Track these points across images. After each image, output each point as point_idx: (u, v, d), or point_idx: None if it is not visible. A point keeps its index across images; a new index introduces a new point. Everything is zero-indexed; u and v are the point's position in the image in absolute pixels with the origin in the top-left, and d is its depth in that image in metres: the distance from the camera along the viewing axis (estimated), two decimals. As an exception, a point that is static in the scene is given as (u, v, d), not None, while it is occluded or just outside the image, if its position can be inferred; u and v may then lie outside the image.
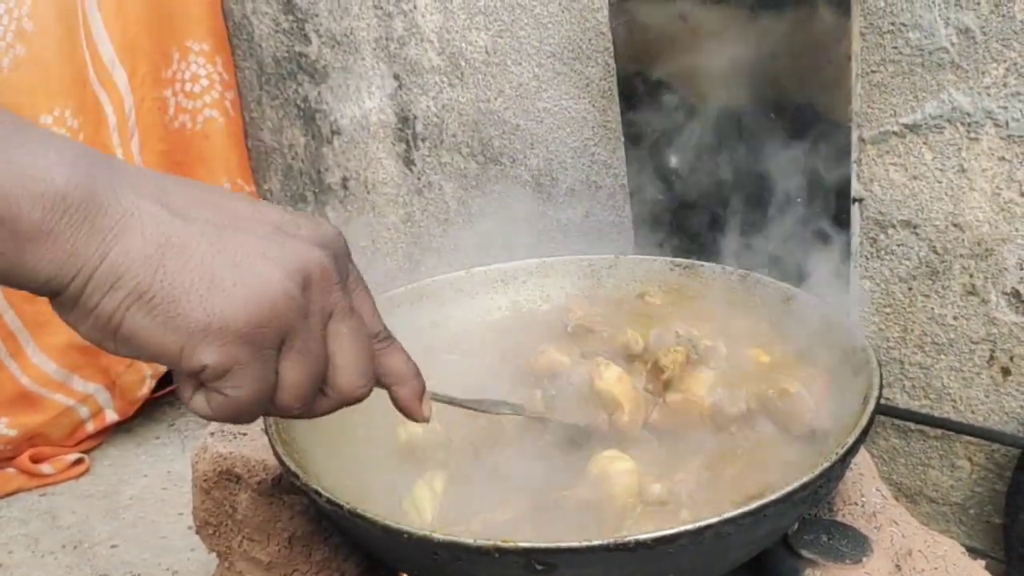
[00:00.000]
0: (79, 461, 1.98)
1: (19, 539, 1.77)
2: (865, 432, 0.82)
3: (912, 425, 1.39)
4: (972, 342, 1.29)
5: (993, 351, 1.28)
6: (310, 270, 0.55)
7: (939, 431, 1.36)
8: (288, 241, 0.55)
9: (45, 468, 1.94)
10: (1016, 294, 1.24)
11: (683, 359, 1.03)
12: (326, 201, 2.05)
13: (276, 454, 0.88)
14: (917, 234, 1.29)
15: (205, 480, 1.12)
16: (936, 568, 0.91)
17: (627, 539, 0.71)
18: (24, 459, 1.92)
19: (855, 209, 1.26)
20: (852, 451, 0.80)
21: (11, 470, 1.93)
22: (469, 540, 0.72)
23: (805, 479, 0.76)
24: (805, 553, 0.85)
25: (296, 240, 0.56)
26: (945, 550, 0.94)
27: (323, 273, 0.56)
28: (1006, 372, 1.28)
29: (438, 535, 0.73)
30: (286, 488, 1.07)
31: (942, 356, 1.33)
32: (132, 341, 0.52)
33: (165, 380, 2.12)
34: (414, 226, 1.92)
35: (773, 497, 0.74)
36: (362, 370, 0.60)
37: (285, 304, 0.53)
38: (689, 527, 0.71)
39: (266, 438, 1.10)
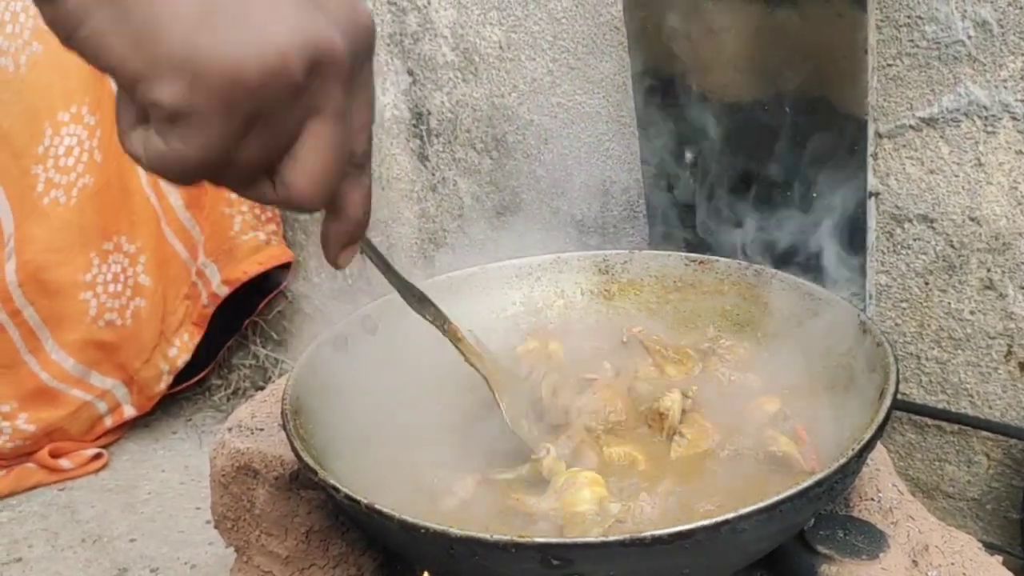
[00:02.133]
0: (98, 456, 2.01)
1: (39, 533, 1.79)
2: (882, 428, 0.82)
3: (929, 420, 1.38)
4: (989, 337, 1.29)
5: (1011, 346, 1.27)
6: (322, 52, 0.47)
7: (956, 426, 1.36)
8: (314, 12, 0.47)
9: (64, 463, 1.96)
10: (1034, 288, 1.23)
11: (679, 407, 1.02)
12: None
13: (294, 450, 0.88)
14: (934, 228, 1.29)
15: (223, 475, 1.13)
16: (953, 564, 0.91)
17: (644, 535, 0.71)
18: (43, 454, 1.95)
19: (871, 203, 1.25)
20: (868, 447, 0.80)
21: (31, 465, 1.95)
22: (486, 535, 0.73)
23: (822, 475, 0.76)
24: (821, 549, 0.85)
25: (322, 13, 0.48)
26: (962, 545, 0.93)
27: (333, 62, 0.48)
28: (1023, 367, 1.27)
29: (455, 530, 0.73)
30: (303, 483, 1.08)
31: (959, 351, 1.32)
32: (89, 44, 0.45)
33: (183, 376, 2.14)
34: (428, 222, 1.92)
35: (789, 492, 0.74)
36: (322, 180, 0.52)
37: (279, 76, 0.46)
38: (706, 523, 0.71)
39: (283, 433, 1.11)
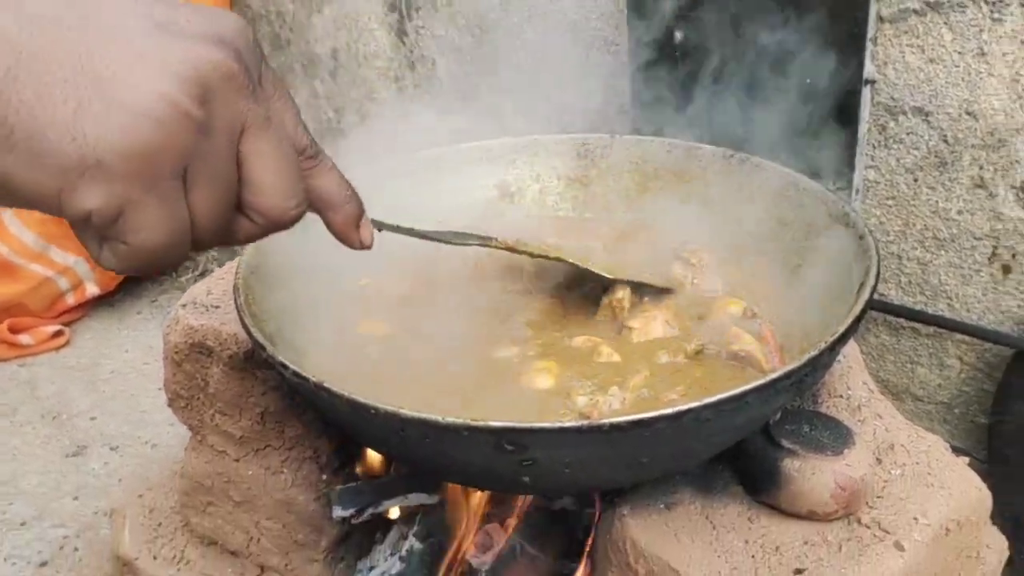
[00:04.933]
0: (59, 333, 1.96)
1: (-3, 407, 1.76)
2: (857, 321, 0.78)
3: (904, 322, 1.35)
4: (975, 238, 1.25)
5: (996, 247, 1.24)
6: (206, 75, 0.44)
7: (931, 329, 1.33)
8: (174, 40, 0.43)
9: (24, 339, 1.91)
10: (1025, 189, 1.18)
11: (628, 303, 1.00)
12: (316, 74, 1.97)
13: (244, 325, 0.84)
14: (928, 122, 1.23)
15: (176, 352, 1.09)
16: (918, 463, 0.89)
17: (601, 422, 0.67)
18: (3, 328, 1.90)
19: (866, 91, 1.19)
20: (841, 340, 0.76)
21: (-11, 339, 1.91)
22: (438, 417, 0.69)
23: (791, 366, 0.72)
24: (785, 443, 0.82)
25: (185, 38, 0.44)
26: (928, 445, 0.91)
27: (226, 77, 0.45)
28: (1007, 270, 1.24)
29: (406, 411, 0.70)
30: (258, 363, 1.04)
31: (942, 252, 1.29)
32: (2, 187, 0.42)
33: (147, 254, 2.07)
34: (404, 101, 1.84)
35: (756, 384, 0.70)
36: (288, 190, 0.50)
37: (176, 122, 0.42)
38: (667, 411, 0.68)
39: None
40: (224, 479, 1.11)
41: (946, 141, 1.22)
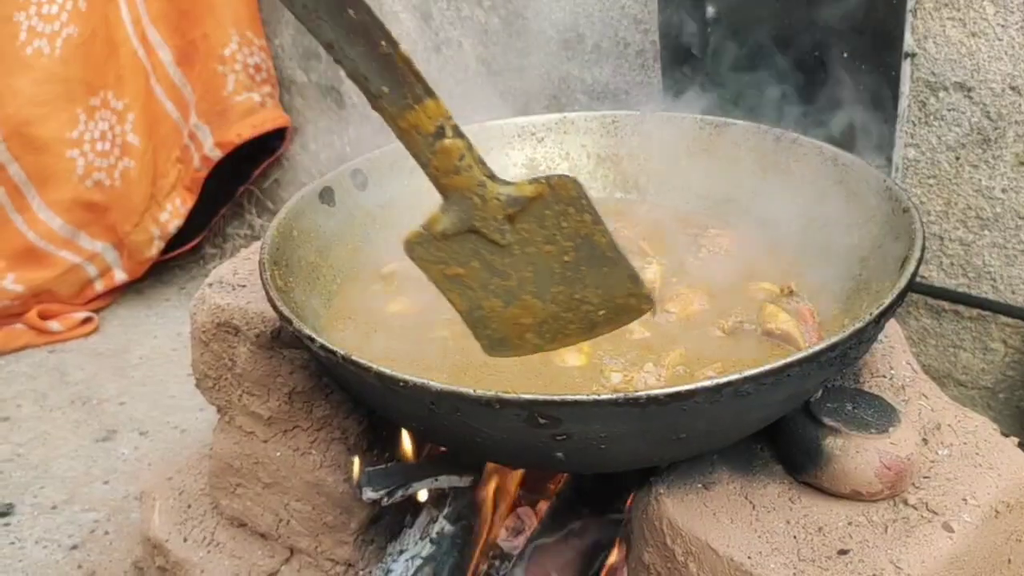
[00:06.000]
0: (88, 320, 1.97)
1: (27, 394, 1.76)
2: (903, 294, 0.76)
3: (947, 305, 1.32)
4: (1020, 217, 1.21)
5: (1042, 228, 1.20)
6: None
7: (975, 311, 1.29)
8: None
9: (53, 325, 1.92)
10: (1074, 165, 1.14)
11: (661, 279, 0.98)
12: (339, 59, 1.95)
13: (270, 299, 0.82)
14: (971, 97, 1.19)
15: (203, 332, 1.08)
16: (966, 443, 0.86)
17: (638, 394, 0.65)
18: (32, 315, 1.91)
19: (906, 66, 1.15)
20: (887, 313, 0.74)
21: (19, 326, 1.92)
22: (469, 390, 0.67)
23: (835, 339, 0.70)
24: (827, 421, 0.79)
25: None
26: (976, 426, 0.88)
27: None
28: (1053, 250, 1.20)
29: (436, 384, 0.68)
30: (286, 342, 1.03)
31: (986, 232, 1.25)
32: None
33: (175, 242, 2.08)
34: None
35: (798, 356, 0.68)
36: None
37: None
38: (706, 383, 0.66)
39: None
40: (253, 460, 1.10)
41: (989, 117, 1.18)
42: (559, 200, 0.70)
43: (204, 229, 2.15)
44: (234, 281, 1.10)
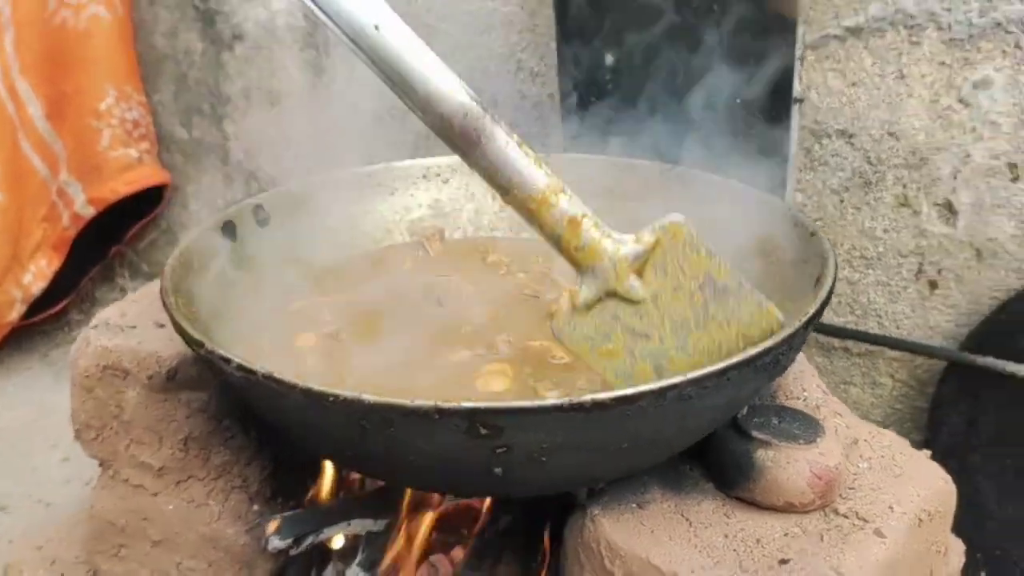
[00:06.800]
0: (-61, 389, 1.79)
1: None
2: (824, 304, 0.78)
3: (836, 342, 1.37)
4: (901, 255, 1.28)
5: (921, 264, 1.27)
6: None
7: (863, 348, 1.35)
8: None
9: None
10: (948, 205, 1.22)
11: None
12: (225, 114, 1.90)
13: (175, 322, 0.76)
14: (852, 144, 1.26)
15: (87, 377, 0.99)
16: (883, 456, 0.88)
17: (584, 399, 0.63)
18: None
19: (795, 111, 1.21)
20: (813, 320, 0.75)
21: None
22: (405, 401, 0.63)
23: (770, 343, 0.70)
24: (757, 434, 0.80)
25: None
26: (890, 441, 0.91)
27: None
28: (933, 286, 1.27)
29: (369, 397, 0.64)
30: (182, 383, 0.96)
31: (870, 271, 1.31)
32: None
33: (38, 306, 1.93)
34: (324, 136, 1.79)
35: (738, 359, 0.68)
36: None
37: None
38: (652, 387, 0.65)
39: (159, 331, 0.99)
40: (140, 516, 1.01)
41: (869, 162, 1.26)
42: (675, 245, 0.75)
43: (71, 292, 2.01)
44: (122, 323, 1.02)
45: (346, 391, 0.64)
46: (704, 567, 0.73)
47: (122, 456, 1.00)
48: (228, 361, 0.69)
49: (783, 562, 0.74)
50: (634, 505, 0.80)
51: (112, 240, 2.03)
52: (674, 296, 0.75)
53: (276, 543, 0.95)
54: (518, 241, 1.19)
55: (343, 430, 0.68)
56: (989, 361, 1.19)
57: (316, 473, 1.05)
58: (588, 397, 0.63)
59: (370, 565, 0.99)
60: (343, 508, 0.99)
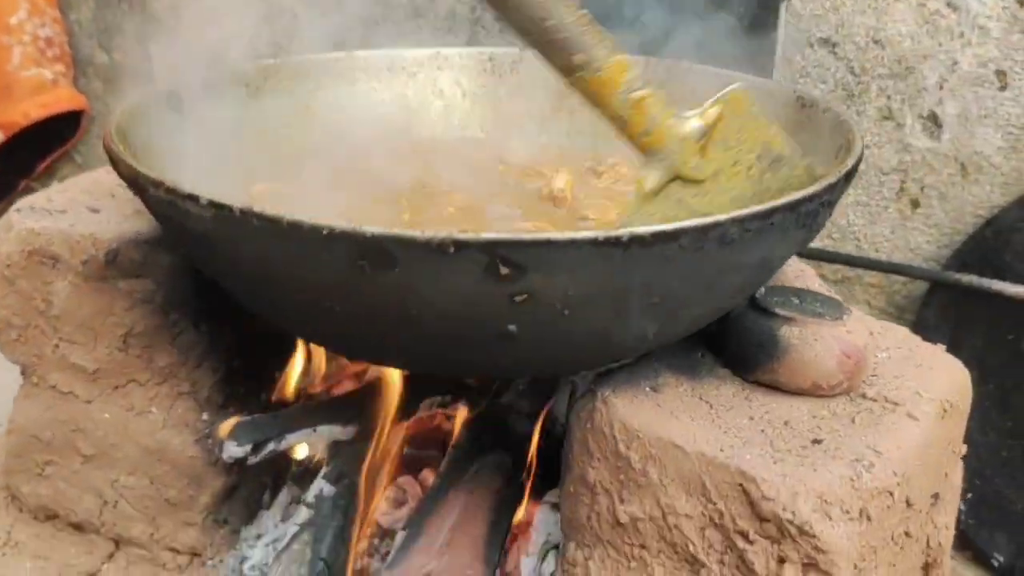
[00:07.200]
0: None
1: None
2: (858, 162, 0.71)
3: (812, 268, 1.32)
4: (883, 173, 1.23)
5: (904, 181, 1.23)
6: None
7: (840, 275, 1.30)
8: None
9: None
10: (932, 117, 1.18)
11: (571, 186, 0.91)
12: (150, 35, 1.75)
13: (125, 164, 0.65)
14: (835, 54, 1.21)
15: (8, 266, 0.86)
16: (899, 348, 0.82)
17: (620, 232, 0.55)
18: None
19: (783, 12, 1.16)
20: (851, 174, 0.69)
21: None
22: (416, 233, 0.54)
23: (813, 188, 0.63)
24: (780, 311, 0.73)
25: None
26: (904, 334, 0.85)
27: None
28: (915, 204, 1.23)
29: (372, 229, 0.54)
30: (123, 269, 0.83)
31: (850, 190, 1.26)
32: None
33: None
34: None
35: (783, 201, 0.61)
36: None
37: None
38: (694, 223, 0.57)
39: (92, 215, 0.87)
40: (70, 427, 0.89)
41: (853, 72, 1.21)
42: (736, 116, 0.71)
43: (-24, 229, 1.83)
44: (50, 207, 0.89)
45: (344, 223, 0.55)
46: (733, 446, 0.66)
47: (49, 359, 0.88)
48: (195, 199, 0.58)
49: (816, 442, 0.67)
50: (648, 388, 0.72)
51: (22, 173, 1.86)
52: (733, 171, 0.72)
53: (232, 450, 0.84)
54: (489, 143, 1.11)
55: (334, 277, 0.58)
56: (974, 280, 1.15)
57: (274, 378, 0.94)
58: (626, 230, 0.55)
59: (336, 478, 0.88)
60: (307, 414, 0.88)
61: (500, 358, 0.65)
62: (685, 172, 0.71)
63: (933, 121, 1.18)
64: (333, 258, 0.56)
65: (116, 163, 0.66)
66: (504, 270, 0.55)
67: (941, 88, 1.16)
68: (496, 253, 0.54)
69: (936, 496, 0.77)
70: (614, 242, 0.55)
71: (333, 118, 1.05)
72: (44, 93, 1.73)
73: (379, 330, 0.63)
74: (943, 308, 1.22)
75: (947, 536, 0.81)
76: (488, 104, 1.12)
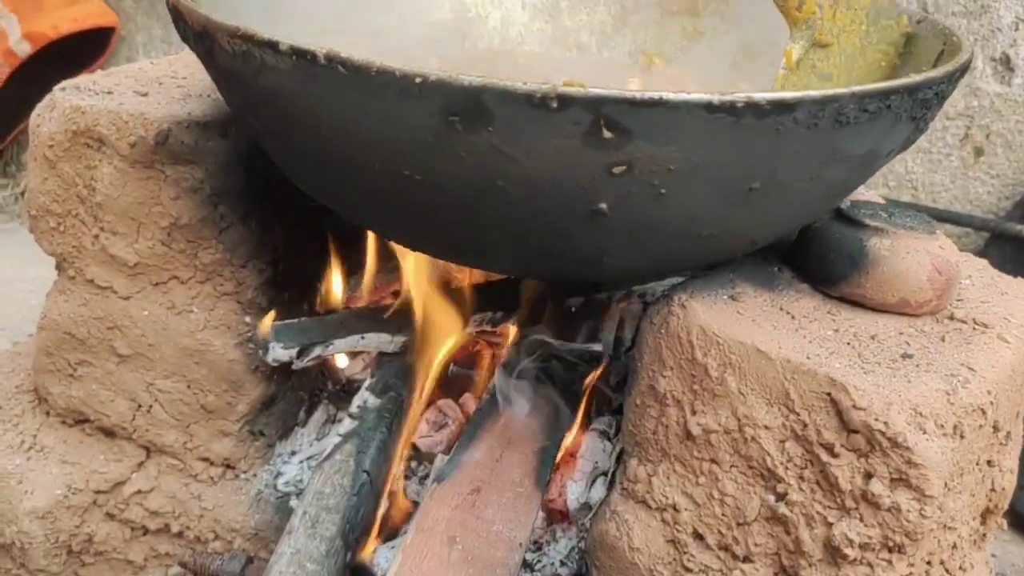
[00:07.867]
0: None
1: None
2: (968, 62, 0.67)
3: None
4: (947, 118, 1.19)
5: (969, 128, 1.18)
6: None
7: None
8: None
9: None
10: (1005, 60, 1.14)
11: None
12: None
13: (179, 7, 0.60)
14: (905, -8, 1.17)
15: (50, 147, 0.82)
16: (981, 276, 0.78)
17: (737, 96, 0.51)
18: None
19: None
20: (964, 68, 0.65)
21: None
22: (518, 84, 0.50)
23: (927, 75, 0.59)
24: (870, 222, 0.69)
25: None
26: (983, 264, 0.81)
27: None
28: (979, 152, 1.18)
29: (470, 78, 0.50)
30: (172, 153, 0.79)
31: (910, 136, 1.22)
32: None
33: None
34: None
35: (901, 82, 0.57)
36: None
37: None
38: (812, 93, 0.53)
39: (140, 98, 0.82)
40: (106, 325, 0.85)
41: (926, 8, 1.16)
42: None
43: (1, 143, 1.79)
44: (96, 88, 0.85)
45: (438, 71, 0.50)
46: (819, 355, 0.62)
47: (88, 251, 0.84)
48: (275, 46, 0.54)
49: (906, 356, 0.64)
50: (726, 297, 0.68)
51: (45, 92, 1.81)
52: (850, 30, 0.75)
53: (278, 352, 0.80)
54: (548, 58, 1.06)
55: (423, 138, 0.54)
56: (1038, 231, 1.11)
57: (319, 288, 0.90)
58: (742, 96, 0.51)
59: (382, 390, 0.85)
60: (355, 320, 0.85)
61: (583, 247, 0.61)
62: (821, 37, 0.74)
63: (1005, 64, 1.14)
64: (423, 112, 0.52)
65: (182, 14, 0.62)
66: (607, 133, 0.51)
67: (1016, 29, 1.12)
68: (602, 112, 0.50)
69: (1008, 434, 0.73)
70: (728, 107, 0.51)
71: (383, 19, 1.01)
72: (75, 6, 1.68)
73: (459, 210, 0.59)
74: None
75: (1011, 481, 0.78)
76: (548, 18, 1.08)
